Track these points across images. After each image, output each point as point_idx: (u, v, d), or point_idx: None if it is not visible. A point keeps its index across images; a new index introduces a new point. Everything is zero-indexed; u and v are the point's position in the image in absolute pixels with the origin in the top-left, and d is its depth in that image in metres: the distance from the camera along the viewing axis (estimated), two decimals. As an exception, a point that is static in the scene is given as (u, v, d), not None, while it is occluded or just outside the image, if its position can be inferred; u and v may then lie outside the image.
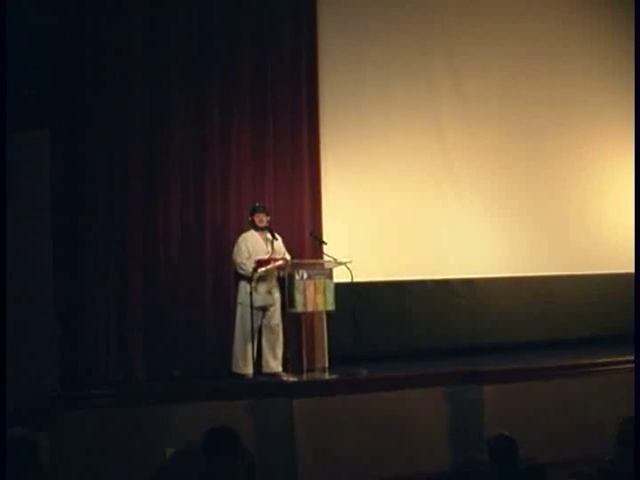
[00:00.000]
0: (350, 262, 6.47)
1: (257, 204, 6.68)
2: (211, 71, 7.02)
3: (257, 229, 6.60)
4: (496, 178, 8.19)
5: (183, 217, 6.86)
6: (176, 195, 6.83)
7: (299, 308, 6.39)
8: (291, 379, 6.30)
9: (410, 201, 7.85)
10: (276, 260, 6.45)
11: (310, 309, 6.48)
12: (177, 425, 5.73)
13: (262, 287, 6.47)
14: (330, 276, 6.53)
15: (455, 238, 7.98)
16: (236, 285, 6.62)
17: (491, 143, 8.22)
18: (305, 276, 6.39)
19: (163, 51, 6.86)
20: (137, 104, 6.74)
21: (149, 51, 6.81)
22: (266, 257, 6.46)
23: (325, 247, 6.78)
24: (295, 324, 6.63)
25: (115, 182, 6.67)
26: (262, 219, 6.58)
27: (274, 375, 6.48)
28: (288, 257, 6.64)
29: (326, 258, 6.67)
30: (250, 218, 6.62)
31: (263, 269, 6.37)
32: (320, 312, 6.71)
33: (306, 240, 7.14)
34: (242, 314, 6.49)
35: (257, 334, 6.47)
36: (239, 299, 6.54)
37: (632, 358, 6.61)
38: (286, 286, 6.44)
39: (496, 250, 8.10)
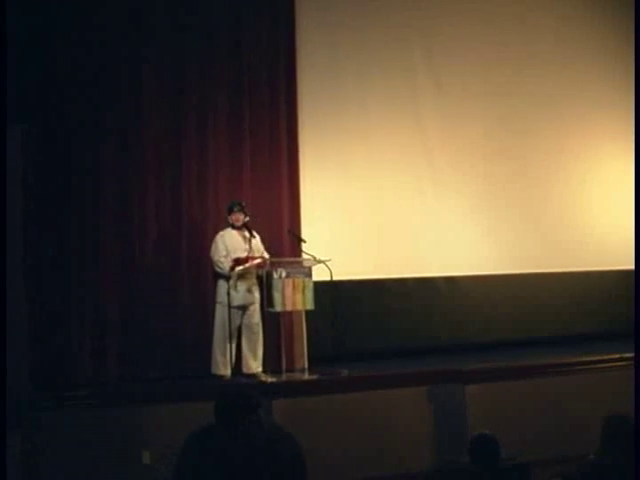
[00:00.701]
0: (329, 260, 6.48)
1: (234, 203, 6.64)
2: (187, 68, 6.97)
3: (234, 227, 6.58)
4: (478, 174, 8.18)
5: (159, 215, 6.81)
6: (152, 192, 6.78)
7: (278, 307, 6.38)
8: (270, 380, 6.27)
9: (391, 198, 7.83)
10: (254, 258, 6.42)
11: (289, 308, 6.48)
12: (154, 428, 5.71)
13: (241, 285, 6.46)
14: (309, 275, 6.51)
15: (437, 235, 7.97)
16: (214, 284, 6.59)
17: (473, 139, 8.21)
18: (284, 275, 6.37)
19: (138, 47, 6.81)
20: (110, 101, 6.68)
21: (123, 47, 6.75)
22: (244, 255, 6.43)
23: (304, 245, 6.77)
24: (274, 324, 6.59)
25: (88, 180, 6.61)
26: (239, 218, 6.56)
27: (253, 375, 6.45)
28: (266, 255, 6.63)
29: (305, 256, 6.66)
30: (228, 216, 6.60)
31: (241, 267, 6.36)
32: (299, 311, 6.73)
33: (285, 238, 7.11)
34: (221, 314, 6.47)
35: (236, 334, 6.46)
36: (218, 298, 6.52)
37: (617, 356, 6.67)
38: (264, 285, 6.40)
39: (479, 247, 8.10)
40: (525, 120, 8.46)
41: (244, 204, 6.67)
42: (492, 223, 8.20)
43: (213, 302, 6.58)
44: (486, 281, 8.11)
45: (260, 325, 6.56)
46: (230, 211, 6.61)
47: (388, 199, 7.84)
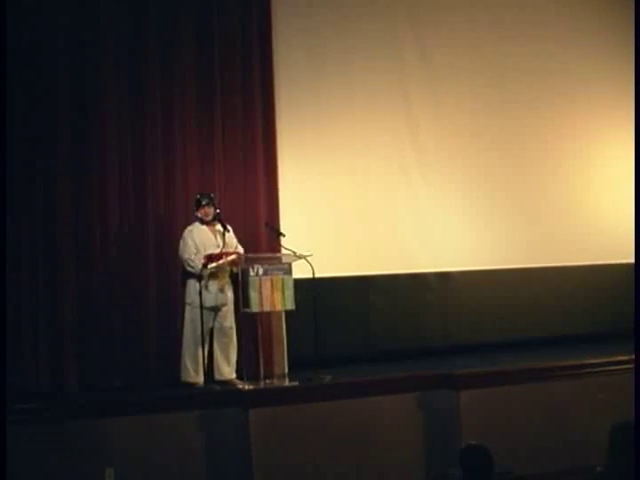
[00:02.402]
0: (311, 255, 6.40)
1: (202, 196, 6.57)
2: (150, 47, 6.90)
3: (203, 223, 6.52)
4: (469, 162, 8.15)
5: (122, 208, 6.74)
6: (113, 184, 6.70)
7: (254, 308, 6.28)
8: (246, 387, 6.21)
9: (375, 188, 7.79)
10: (228, 254, 6.33)
11: (267, 309, 6.39)
12: (118, 442, 5.64)
13: (213, 285, 6.39)
14: (289, 272, 6.44)
15: (427, 227, 7.95)
16: (183, 284, 6.52)
17: (464, 122, 8.17)
18: (261, 272, 6.30)
19: (97, 29, 6.74)
20: (67, 83, 6.62)
21: (81, 28, 6.69)
22: (217, 251, 6.35)
23: (283, 239, 6.68)
24: (250, 326, 6.54)
25: (40, 170, 6.53)
26: (208, 212, 6.50)
27: (227, 383, 6.40)
28: (241, 251, 6.54)
29: (284, 251, 6.57)
30: (196, 211, 6.54)
31: (214, 265, 6.26)
32: (278, 312, 6.66)
33: (262, 232, 7.06)
34: (191, 316, 6.40)
35: (208, 337, 6.41)
36: (187, 299, 6.45)
37: (623, 359, 6.61)
38: (240, 283, 6.32)
39: (473, 240, 8.07)
40: (522, 99, 8.40)
41: (213, 196, 6.61)
42: (487, 214, 8.18)
43: (182, 303, 6.51)
44: (481, 277, 8.08)
45: (234, 328, 6.50)
46: (198, 205, 6.54)
47: (374, 188, 7.80)
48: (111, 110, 6.74)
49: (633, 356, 6.50)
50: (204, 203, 6.49)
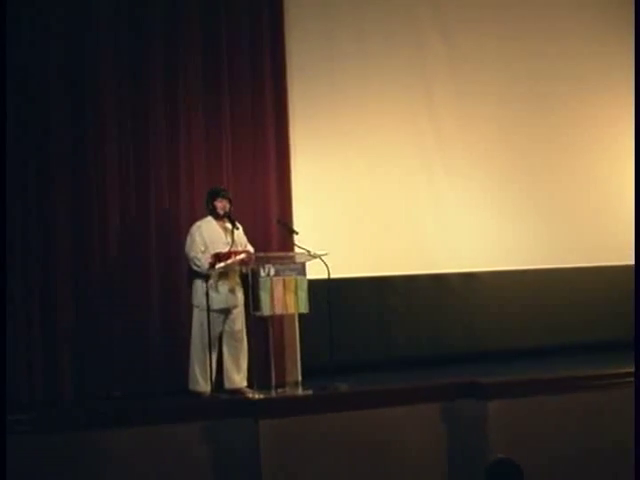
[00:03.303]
0: (326, 254, 6.33)
1: (219, 188, 6.57)
2: (154, 29, 6.87)
3: (217, 217, 6.45)
4: (495, 155, 8.12)
5: (123, 203, 6.71)
6: (113, 177, 6.67)
7: (265, 311, 6.21)
8: (257, 396, 6.14)
9: (395, 183, 7.76)
10: (237, 253, 6.26)
11: (279, 312, 6.32)
12: (118, 457, 5.59)
13: (223, 286, 6.35)
14: (302, 272, 6.39)
15: (447, 225, 7.90)
16: (190, 285, 6.49)
17: (489, 113, 8.11)
18: (272, 272, 6.23)
19: (95, 3, 6.71)
20: (65, 72, 6.60)
21: (77, 5, 6.67)
22: (225, 250, 6.29)
23: (296, 237, 6.65)
24: (261, 330, 6.44)
25: (33, 163, 6.49)
26: (225, 205, 6.46)
27: (237, 391, 6.36)
28: (252, 249, 6.50)
29: (297, 250, 6.54)
30: (211, 204, 6.48)
31: (222, 264, 6.20)
32: (291, 315, 6.58)
33: (273, 229, 7.05)
34: (200, 319, 6.35)
35: (217, 343, 6.39)
36: (195, 301, 6.41)
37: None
38: (250, 285, 6.24)
39: (497, 238, 8.01)
40: (553, 85, 8.35)
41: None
42: (515, 211, 8.11)
43: (189, 306, 6.48)
44: (508, 277, 8.04)
45: (244, 332, 6.46)
46: (214, 197, 6.47)
47: (393, 183, 7.76)
48: (110, 95, 6.71)
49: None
50: (221, 196, 6.46)
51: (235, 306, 6.40)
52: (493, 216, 8.05)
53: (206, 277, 6.27)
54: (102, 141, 6.64)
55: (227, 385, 6.40)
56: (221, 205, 6.44)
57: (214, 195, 6.47)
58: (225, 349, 6.43)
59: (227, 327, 6.41)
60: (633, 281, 7.90)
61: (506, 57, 8.23)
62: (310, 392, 6.37)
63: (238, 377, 6.42)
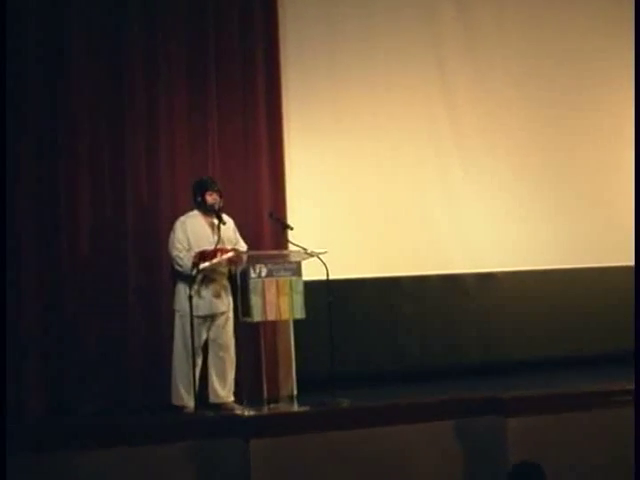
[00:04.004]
0: (325, 253, 6.19)
1: (209, 178, 6.45)
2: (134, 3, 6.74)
3: (206, 211, 6.28)
4: (516, 144, 7.99)
5: (95, 198, 6.59)
6: (85, 168, 6.54)
7: (256, 316, 6.06)
8: (247, 412, 5.99)
9: (404, 172, 7.64)
10: (225, 251, 6.09)
11: (271, 317, 6.16)
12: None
13: (208, 289, 6.20)
14: (298, 272, 6.23)
15: (462, 220, 7.79)
16: (173, 287, 6.36)
17: (511, 96, 7.98)
18: (264, 273, 6.08)
19: None
20: (31, 45, 6.47)
21: None
22: (212, 248, 6.12)
23: (290, 233, 6.50)
24: (251, 338, 6.26)
25: None
26: (216, 199, 6.32)
27: (224, 407, 6.24)
28: (245, 246, 6.39)
29: (292, 248, 6.42)
30: (200, 198, 6.32)
31: (207, 264, 6.02)
32: (285, 321, 6.41)
33: (265, 225, 6.93)
34: (182, 326, 6.18)
35: (201, 352, 6.26)
36: (177, 306, 6.24)
37: None
38: (238, 287, 6.10)
39: (518, 236, 7.87)
40: (583, 81, 8.16)
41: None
42: (536, 206, 7.98)
43: (170, 311, 6.32)
44: (530, 278, 7.92)
45: (232, 341, 6.32)
46: (204, 190, 6.31)
47: (400, 174, 7.62)
48: (82, 78, 6.56)
49: None
50: (211, 188, 6.30)
51: (222, 312, 6.27)
52: (513, 211, 7.91)
53: (189, 279, 6.10)
54: (72, 128, 6.53)
55: (212, 399, 6.28)
56: (212, 198, 6.30)
57: (204, 187, 6.31)
58: (210, 360, 6.30)
59: (212, 335, 6.27)
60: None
61: (530, 31, 8.03)
62: (307, 408, 6.26)
63: (223, 391, 6.29)
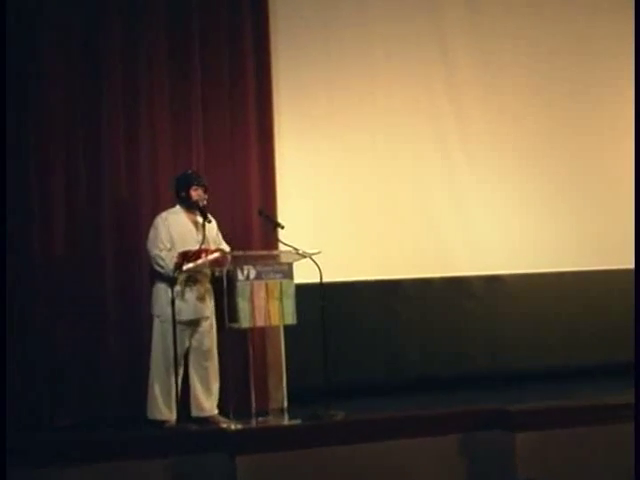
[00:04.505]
0: (318, 254, 6.07)
1: (193, 173, 6.32)
2: None
3: (190, 207, 6.15)
4: (525, 141, 7.91)
5: (70, 193, 6.44)
6: (60, 161, 6.40)
7: (244, 322, 5.91)
8: (233, 426, 5.86)
9: (406, 169, 7.56)
10: (209, 252, 5.96)
11: (260, 323, 6.03)
12: None
13: (192, 291, 6.05)
14: (289, 275, 6.11)
15: (468, 220, 7.72)
16: (151, 290, 6.20)
17: (519, 89, 7.90)
18: (252, 275, 5.96)
19: None
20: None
21: None
22: (196, 247, 5.97)
23: (281, 232, 6.38)
24: (238, 346, 6.20)
25: None
26: (201, 194, 6.20)
27: (208, 420, 6.09)
28: (227, 247, 6.24)
29: (283, 248, 6.30)
30: (184, 193, 6.19)
31: (190, 265, 5.85)
32: (275, 328, 6.48)
33: (254, 224, 6.83)
34: (162, 333, 6.02)
35: (183, 361, 6.11)
36: (156, 310, 6.07)
37: None
38: (224, 290, 5.93)
39: (527, 237, 7.81)
40: (599, 72, 8.10)
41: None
42: (545, 206, 7.91)
43: (149, 316, 6.16)
44: (541, 281, 7.83)
45: (215, 349, 6.18)
46: (189, 185, 6.17)
47: (404, 171, 7.54)
48: (57, 64, 6.41)
49: None
50: (196, 183, 6.17)
51: (206, 316, 6.12)
52: (521, 211, 7.85)
53: (171, 281, 5.94)
54: (46, 118, 6.39)
55: (195, 413, 6.14)
56: (197, 194, 6.17)
57: (189, 182, 6.17)
58: (193, 370, 6.17)
59: (195, 343, 6.13)
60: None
61: (539, 21, 7.95)
62: (298, 422, 6.20)
63: (208, 403, 6.15)
